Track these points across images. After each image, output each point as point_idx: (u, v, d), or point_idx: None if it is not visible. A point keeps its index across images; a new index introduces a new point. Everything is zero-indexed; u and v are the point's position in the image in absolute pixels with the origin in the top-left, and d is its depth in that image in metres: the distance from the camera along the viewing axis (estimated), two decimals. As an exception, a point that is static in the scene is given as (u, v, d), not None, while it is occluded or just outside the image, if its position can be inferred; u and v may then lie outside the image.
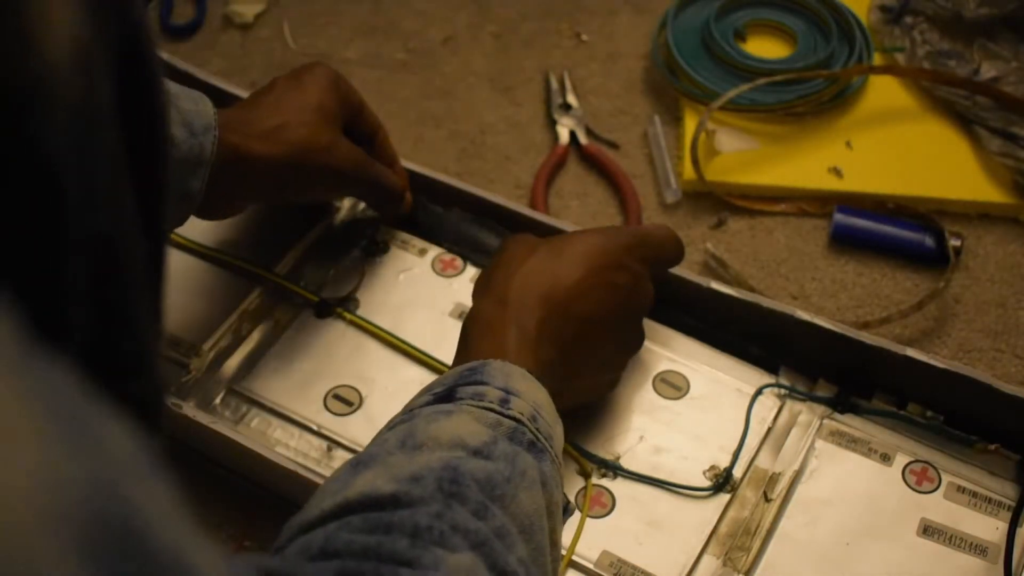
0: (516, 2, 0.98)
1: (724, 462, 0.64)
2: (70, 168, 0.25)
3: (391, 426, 0.51)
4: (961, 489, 0.63)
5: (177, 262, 0.73)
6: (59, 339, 0.25)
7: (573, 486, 0.63)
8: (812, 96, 0.86)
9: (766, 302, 0.68)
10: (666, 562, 0.60)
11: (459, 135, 0.88)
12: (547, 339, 0.57)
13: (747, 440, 0.65)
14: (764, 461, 0.64)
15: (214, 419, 0.64)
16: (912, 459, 0.64)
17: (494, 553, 0.43)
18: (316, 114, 0.66)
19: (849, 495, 0.63)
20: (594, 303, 0.60)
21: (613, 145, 0.87)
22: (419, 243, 0.75)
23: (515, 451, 0.49)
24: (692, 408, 0.67)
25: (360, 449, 0.50)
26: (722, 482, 0.63)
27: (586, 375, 0.62)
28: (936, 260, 0.78)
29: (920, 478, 0.63)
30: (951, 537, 0.61)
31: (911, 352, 0.65)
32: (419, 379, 0.65)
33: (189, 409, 0.64)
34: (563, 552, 0.59)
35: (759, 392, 0.67)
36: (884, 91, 0.89)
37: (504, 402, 0.51)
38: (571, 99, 0.89)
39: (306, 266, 0.74)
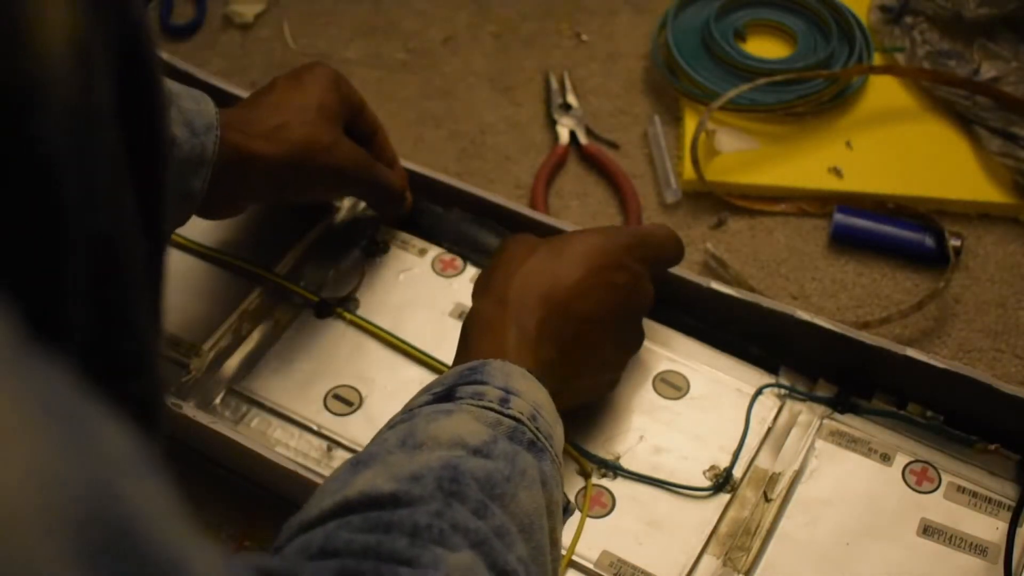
0: (516, 2, 0.98)
1: (724, 462, 0.64)
2: (70, 168, 0.25)
3: (391, 425, 0.51)
4: (961, 489, 0.63)
5: (177, 262, 0.73)
6: (59, 339, 0.25)
7: (573, 486, 0.63)
8: (812, 96, 0.86)
9: (766, 302, 0.68)
10: (666, 562, 0.60)
11: (459, 135, 0.88)
12: (547, 339, 0.57)
13: (747, 440, 0.65)
14: (764, 461, 0.64)
15: (214, 419, 0.64)
16: (912, 459, 0.64)
17: (494, 552, 0.43)
18: (317, 114, 0.66)
19: (849, 495, 0.63)
20: (594, 303, 0.60)
21: (613, 145, 0.87)
22: (419, 243, 0.75)
23: (515, 450, 0.49)
24: (692, 408, 0.67)
25: (360, 449, 0.50)
26: (722, 482, 0.63)
27: (586, 375, 0.62)
28: (936, 260, 0.78)
29: (920, 478, 0.63)
30: (951, 537, 0.61)
31: (911, 352, 0.65)
32: (419, 379, 0.65)
33: (189, 409, 0.64)
34: (563, 552, 0.59)
35: (759, 392, 0.67)
36: (884, 91, 0.89)
37: (504, 401, 0.51)
38: (571, 99, 0.89)
39: (306, 266, 0.74)
